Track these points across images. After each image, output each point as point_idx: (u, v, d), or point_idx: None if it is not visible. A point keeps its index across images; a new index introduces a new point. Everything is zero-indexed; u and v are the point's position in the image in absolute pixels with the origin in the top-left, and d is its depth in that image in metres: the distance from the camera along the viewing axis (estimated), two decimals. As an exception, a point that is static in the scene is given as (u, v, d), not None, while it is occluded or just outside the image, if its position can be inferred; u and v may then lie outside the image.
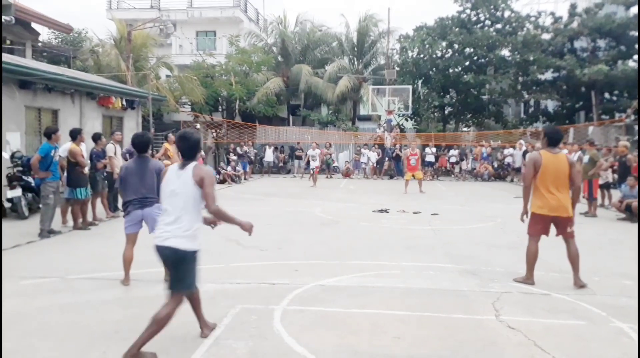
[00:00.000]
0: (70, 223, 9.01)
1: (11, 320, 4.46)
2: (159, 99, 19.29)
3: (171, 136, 13.78)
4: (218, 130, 25.78)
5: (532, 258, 5.74)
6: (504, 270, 6.44)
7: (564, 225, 5.65)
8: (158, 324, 3.63)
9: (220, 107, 27.63)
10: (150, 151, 5.75)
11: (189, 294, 3.92)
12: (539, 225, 5.69)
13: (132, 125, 16.37)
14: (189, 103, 25.49)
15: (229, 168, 19.96)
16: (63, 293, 5.23)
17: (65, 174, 8.80)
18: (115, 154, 10.28)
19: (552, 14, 25.89)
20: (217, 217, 3.82)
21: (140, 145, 5.55)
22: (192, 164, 3.79)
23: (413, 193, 15.66)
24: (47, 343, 4.01)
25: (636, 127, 21.94)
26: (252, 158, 23.08)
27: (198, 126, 25.59)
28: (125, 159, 11.12)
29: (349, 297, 5.23)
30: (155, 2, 31.75)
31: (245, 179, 20.70)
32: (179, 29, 29.40)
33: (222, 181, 18.90)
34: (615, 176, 13.29)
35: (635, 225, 10.19)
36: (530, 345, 4.07)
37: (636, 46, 23.43)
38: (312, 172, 17.62)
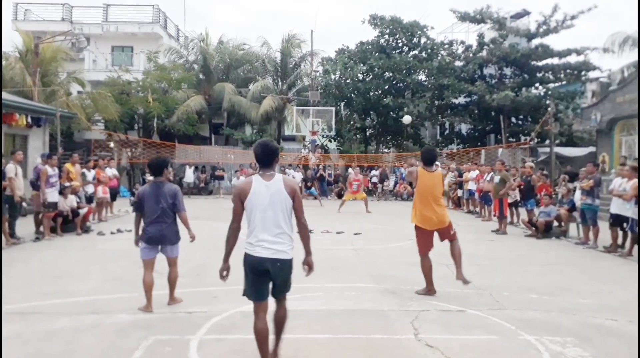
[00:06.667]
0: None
1: None
2: (69, 116, 18.19)
3: (75, 156, 12.88)
4: (133, 149, 24.72)
5: (426, 271, 6.24)
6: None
7: (446, 232, 6.25)
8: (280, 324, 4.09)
9: (136, 125, 26.58)
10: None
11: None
12: (423, 238, 6.31)
13: (37, 144, 15.27)
14: (102, 121, 24.29)
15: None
16: None
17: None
18: (16, 175, 9.45)
19: (463, 42, 27.62)
20: (301, 229, 3.90)
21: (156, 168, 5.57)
22: (279, 175, 3.86)
23: (342, 212, 15.93)
24: None
25: (539, 149, 23.80)
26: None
27: (112, 144, 24.41)
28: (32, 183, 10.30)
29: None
30: (67, 14, 30.15)
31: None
32: (93, 43, 28.12)
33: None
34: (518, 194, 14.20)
35: (541, 241, 10.95)
36: (448, 363, 4.15)
37: (537, 74, 25.56)
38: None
